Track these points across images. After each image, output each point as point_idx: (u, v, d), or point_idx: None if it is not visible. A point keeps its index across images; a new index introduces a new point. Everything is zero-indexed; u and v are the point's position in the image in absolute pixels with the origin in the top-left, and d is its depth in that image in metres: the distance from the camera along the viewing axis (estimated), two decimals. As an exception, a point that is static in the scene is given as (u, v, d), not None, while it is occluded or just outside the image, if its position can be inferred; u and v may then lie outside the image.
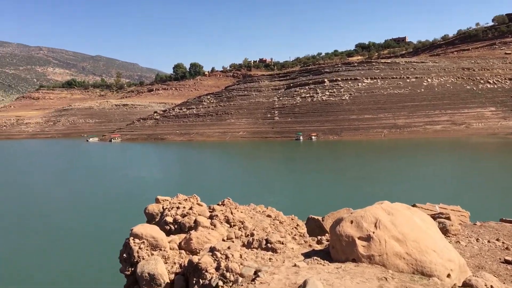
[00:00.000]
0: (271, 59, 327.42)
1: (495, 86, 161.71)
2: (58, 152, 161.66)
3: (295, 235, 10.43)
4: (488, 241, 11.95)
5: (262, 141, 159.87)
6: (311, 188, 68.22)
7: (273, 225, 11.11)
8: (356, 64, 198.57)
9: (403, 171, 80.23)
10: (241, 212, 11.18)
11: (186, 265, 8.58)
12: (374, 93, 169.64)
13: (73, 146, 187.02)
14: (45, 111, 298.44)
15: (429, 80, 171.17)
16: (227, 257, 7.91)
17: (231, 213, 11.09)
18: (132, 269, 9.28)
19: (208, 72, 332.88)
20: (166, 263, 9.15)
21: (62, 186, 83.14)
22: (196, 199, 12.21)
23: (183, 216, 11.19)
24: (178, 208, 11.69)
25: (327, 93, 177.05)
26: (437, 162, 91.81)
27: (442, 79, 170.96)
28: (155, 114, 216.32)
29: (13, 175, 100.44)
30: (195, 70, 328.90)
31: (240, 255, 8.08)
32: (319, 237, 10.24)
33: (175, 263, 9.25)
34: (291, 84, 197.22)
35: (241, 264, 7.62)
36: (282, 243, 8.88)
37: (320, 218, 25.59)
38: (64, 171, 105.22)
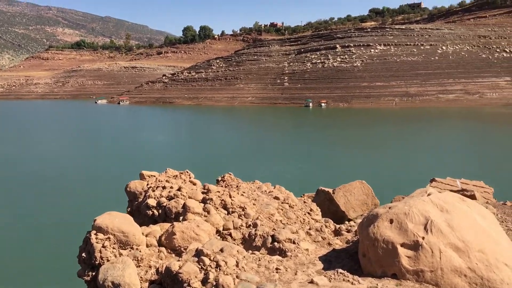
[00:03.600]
0: (282, 23, 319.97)
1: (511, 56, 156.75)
2: (67, 113, 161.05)
3: (309, 228, 8.46)
4: (530, 229, 10.43)
5: (271, 107, 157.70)
6: (321, 157, 66.60)
7: (282, 210, 9.26)
8: (369, 30, 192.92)
9: (416, 142, 77.96)
10: (243, 193, 9.24)
11: (163, 271, 6.55)
12: (386, 60, 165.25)
13: (82, 107, 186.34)
14: (54, 72, 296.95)
15: (443, 47, 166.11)
16: (218, 266, 6.00)
17: (230, 197, 8.95)
18: (94, 273, 7.11)
19: (218, 35, 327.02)
20: (139, 266, 7.09)
21: (59, 147, 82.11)
22: (189, 175, 10.24)
23: (170, 198, 9.11)
24: (164, 187, 9.58)
25: (339, 59, 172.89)
26: (451, 133, 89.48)
27: (457, 47, 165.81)
28: (164, 78, 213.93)
29: (16, 135, 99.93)
30: (205, 33, 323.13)
31: (237, 262, 6.12)
32: (337, 227, 8.66)
33: (150, 266, 7.17)
34: (302, 50, 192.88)
35: (237, 276, 5.74)
36: (294, 242, 7.09)
37: (330, 190, 24.14)
38: (68, 132, 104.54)
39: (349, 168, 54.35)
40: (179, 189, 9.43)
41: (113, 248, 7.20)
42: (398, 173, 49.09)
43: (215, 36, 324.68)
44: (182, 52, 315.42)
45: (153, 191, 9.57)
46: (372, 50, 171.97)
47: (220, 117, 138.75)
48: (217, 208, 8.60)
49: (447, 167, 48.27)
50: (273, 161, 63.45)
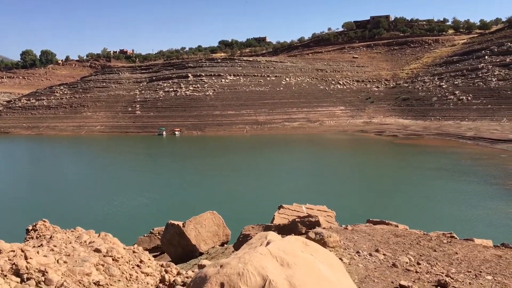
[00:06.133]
0: (133, 50, 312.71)
1: (344, 87, 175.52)
2: None
3: (137, 289, 7.01)
4: (370, 254, 10.59)
5: (123, 136, 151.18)
6: (172, 188, 64.97)
7: (103, 265, 7.37)
8: (219, 61, 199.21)
9: (265, 169, 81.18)
10: (54, 247, 7.22)
11: None
12: (237, 89, 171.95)
13: None
14: None
15: (287, 79, 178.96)
16: None
17: (25, 258, 6.77)
18: None
19: (62, 61, 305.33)
20: None
21: None
22: None
23: None
24: None
25: (191, 88, 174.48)
26: (296, 159, 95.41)
27: (299, 79, 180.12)
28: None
29: None
30: (47, 58, 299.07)
31: None
32: (172, 280, 7.46)
33: None
34: (154, 78, 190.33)
35: None
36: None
37: (180, 223, 23.02)
38: None
39: (201, 197, 53.69)
40: (-51, 254, 6.76)
41: None
42: (249, 201, 49.98)
43: (59, 62, 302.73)
44: (21, 77, 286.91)
45: None
46: (223, 80, 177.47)
47: (63, 148, 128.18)
48: (6, 275, 6.47)
49: (293, 192, 50.67)
50: (119, 195, 59.72)
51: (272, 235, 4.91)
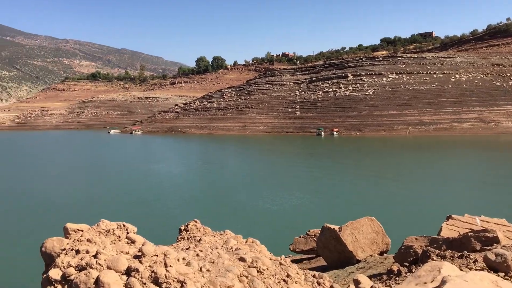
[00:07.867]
0: (294, 53, 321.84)
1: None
2: (78, 143, 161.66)
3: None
4: None
5: (283, 135, 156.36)
6: (330, 189, 64.21)
7: (246, 277, 6.80)
8: (381, 59, 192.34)
9: (431, 173, 74.84)
10: (200, 252, 6.64)
11: None
12: (399, 88, 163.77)
13: (94, 137, 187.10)
14: (70, 103, 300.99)
15: (457, 76, 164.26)
16: None
17: (165, 265, 6.50)
18: None
19: (230, 65, 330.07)
20: None
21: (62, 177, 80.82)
22: (126, 230, 7.88)
23: (81, 268, 6.54)
24: (77, 252, 6.91)
25: (350, 88, 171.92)
26: (468, 164, 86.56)
27: (470, 75, 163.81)
28: (176, 107, 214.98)
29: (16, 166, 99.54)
30: (218, 64, 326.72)
31: None
32: None
33: None
34: (314, 79, 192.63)
35: None
36: None
37: (336, 227, 22.23)
38: (77, 163, 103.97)
39: (358, 201, 51.69)
40: (96, 255, 6.84)
41: None
42: (412, 208, 46.36)
43: (228, 66, 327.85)
44: (195, 82, 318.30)
45: (65, 255, 7.08)
46: (384, 79, 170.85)
47: (230, 147, 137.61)
48: (145, 283, 6.30)
49: (464, 202, 45.29)
50: (278, 193, 61.14)
51: (447, 267, 3.90)
